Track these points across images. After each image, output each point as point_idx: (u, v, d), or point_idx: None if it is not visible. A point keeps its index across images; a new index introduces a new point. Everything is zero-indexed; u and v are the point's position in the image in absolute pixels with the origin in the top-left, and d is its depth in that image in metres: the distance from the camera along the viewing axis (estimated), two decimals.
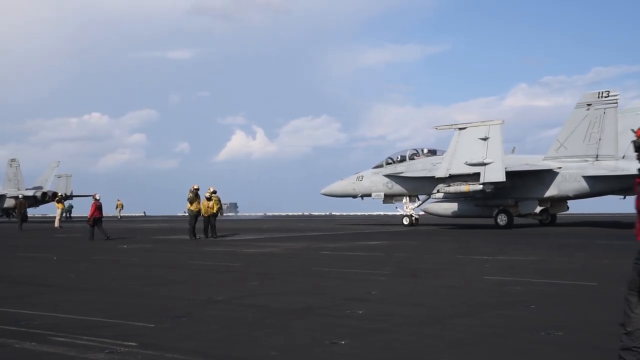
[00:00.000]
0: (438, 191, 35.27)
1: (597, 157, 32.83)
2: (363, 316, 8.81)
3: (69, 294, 11.49)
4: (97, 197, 29.92)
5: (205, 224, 29.25)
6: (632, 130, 6.92)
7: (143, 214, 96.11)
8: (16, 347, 7.03)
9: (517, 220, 36.55)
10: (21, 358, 6.66)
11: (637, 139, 6.03)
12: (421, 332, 7.70)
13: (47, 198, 57.33)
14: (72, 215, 69.29)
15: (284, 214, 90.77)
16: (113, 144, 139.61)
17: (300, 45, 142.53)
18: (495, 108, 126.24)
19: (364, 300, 10.14)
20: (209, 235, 28.88)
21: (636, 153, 6.06)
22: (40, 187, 58.69)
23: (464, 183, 33.38)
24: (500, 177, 32.41)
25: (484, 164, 32.63)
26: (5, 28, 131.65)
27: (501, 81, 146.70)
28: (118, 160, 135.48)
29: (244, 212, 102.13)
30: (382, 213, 73.61)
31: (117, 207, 70.93)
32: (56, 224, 43.62)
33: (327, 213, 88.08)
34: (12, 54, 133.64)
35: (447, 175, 33.69)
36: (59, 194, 45.73)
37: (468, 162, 32.85)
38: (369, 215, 75.94)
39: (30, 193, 56.16)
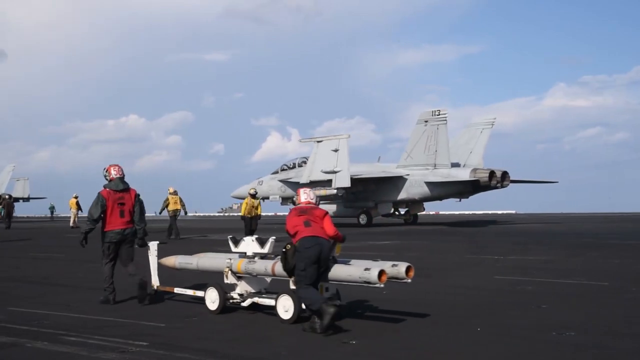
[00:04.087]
0: None
1: (435, 165, 38.62)
2: (374, 316, 8.79)
3: (80, 293, 11.53)
4: None
5: (248, 228, 25.61)
6: (104, 169, 10.41)
7: (154, 214, 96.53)
8: (28, 347, 7.07)
9: (385, 220, 42.71)
10: (33, 357, 6.70)
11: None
12: (432, 332, 7.67)
13: (1, 200, 58.95)
14: (54, 215, 72.54)
15: None
16: (150, 145, 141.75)
17: (333, 47, 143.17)
18: (534, 108, 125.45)
19: (374, 299, 10.11)
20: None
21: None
22: None
23: (322, 188, 38.24)
24: (346, 184, 37.41)
25: (335, 172, 37.80)
26: (43, 33, 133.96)
27: (540, 81, 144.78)
28: (154, 161, 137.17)
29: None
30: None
31: None
32: (71, 223, 44.22)
33: None
34: (50, 57, 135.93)
35: (309, 181, 38.74)
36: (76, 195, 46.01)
37: (323, 170, 37.98)
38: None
39: None
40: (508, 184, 38.94)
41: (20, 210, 66.22)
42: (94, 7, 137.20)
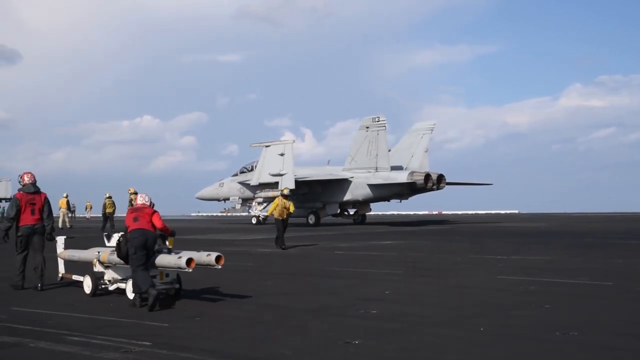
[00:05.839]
0: (255, 196, 44.35)
1: (376, 169, 41.06)
2: (377, 316, 8.79)
3: (82, 293, 11.53)
4: None
5: (281, 231, 21.66)
6: (19, 176, 12.54)
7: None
8: (31, 347, 7.08)
9: (335, 220, 45.84)
10: (36, 357, 6.70)
11: None
12: (435, 332, 7.66)
13: None
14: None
15: None
16: (164, 146, 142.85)
17: (346, 48, 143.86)
18: (549, 108, 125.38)
19: (377, 300, 10.12)
20: (281, 245, 21.45)
21: None
22: None
23: (271, 190, 40.75)
24: (291, 186, 38.95)
25: (281, 175, 40.18)
26: (58, 35, 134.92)
27: (555, 81, 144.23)
28: (169, 162, 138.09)
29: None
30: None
31: (86, 208, 72.37)
32: (67, 224, 44.27)
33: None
34: (65, 59, 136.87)
35: (258, 184, 41.68)
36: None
37: (271, 173, 40.54)
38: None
39: None
40: (444, 187, 41.53)
41: None
42: (108, 9, 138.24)
